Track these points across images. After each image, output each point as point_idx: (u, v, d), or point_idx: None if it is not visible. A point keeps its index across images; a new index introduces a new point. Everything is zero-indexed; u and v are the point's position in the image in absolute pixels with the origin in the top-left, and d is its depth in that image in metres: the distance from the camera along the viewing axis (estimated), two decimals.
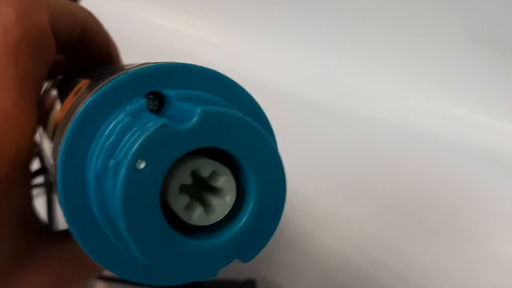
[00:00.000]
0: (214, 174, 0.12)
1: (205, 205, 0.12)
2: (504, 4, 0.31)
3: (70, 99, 0.15)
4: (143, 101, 0.12)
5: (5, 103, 0.14)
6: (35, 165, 0.32)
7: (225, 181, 0.12)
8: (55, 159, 0.13)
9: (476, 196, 0.30)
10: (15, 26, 0.14)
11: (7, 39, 0.14)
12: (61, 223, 0.33)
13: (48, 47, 0.15)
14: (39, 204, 0.33)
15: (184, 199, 0.12)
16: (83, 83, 0.15)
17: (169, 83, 0.12)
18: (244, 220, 0.12)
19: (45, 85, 0.22)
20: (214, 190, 0.12)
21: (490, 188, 0.31)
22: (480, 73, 0.33)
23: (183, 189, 0.12)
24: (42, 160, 0.26)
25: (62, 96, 0.17)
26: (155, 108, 0.12)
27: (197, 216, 0.12)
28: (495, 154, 0.31)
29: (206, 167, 0.12)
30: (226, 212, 0.12)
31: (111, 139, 0.12)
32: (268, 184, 0.12)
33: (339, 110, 0.36)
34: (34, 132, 0.15)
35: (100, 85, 0.13)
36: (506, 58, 0.32)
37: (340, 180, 0.32)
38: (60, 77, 0.21)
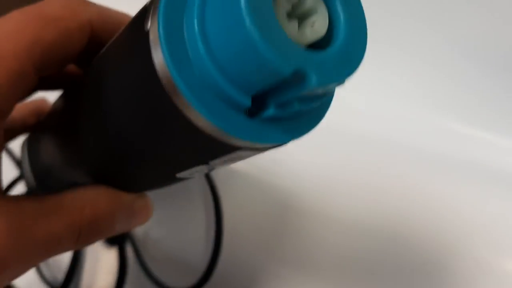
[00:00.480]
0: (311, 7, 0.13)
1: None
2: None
3: None
4: None
5: (8, 50, 0.15)
6: (14, 173, 0.31)
7: (320, 6, 0.13)
8: None
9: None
10: (58, 11, 0.16)
11: (45, 11, 0.16)
12: None
13: (74, 38, 0.17)
14: None
15: (288, 6, 0.13)
16: None
17: None
18: (342, 37, 0.13)
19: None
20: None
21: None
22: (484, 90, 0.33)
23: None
24: (21, 167, 0.25)
25: None
26: None
27: (298, 28, 0.13)
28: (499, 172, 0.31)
29: None
30: (326, 27, 0.13)
31: None
32: (353, 14, 0.13)
33: (343, 127, 0.35)
34: (16, 85, 0.16)
35: None
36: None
37: (340, 201, 0.30)
38: None
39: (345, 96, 0.37)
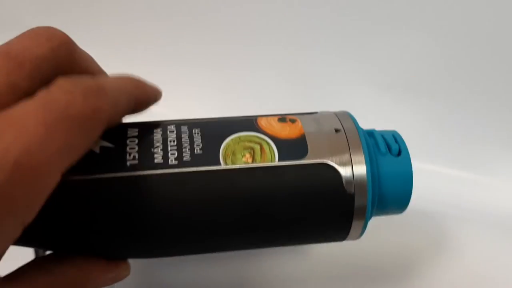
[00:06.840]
0: None
1: None
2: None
3: (285, 125, 0.20)
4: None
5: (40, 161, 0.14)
6: None
7: None
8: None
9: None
10: (82, 109, 0.15)
11: (70, 111, 0.14)
12: None
13: (96, 137, 0.16)
14: None
15: None
16: (292, 117, 0.21)
17: None
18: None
19: None
20: None
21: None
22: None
23: None
24: None
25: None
26: None
27: None
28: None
29: None
30: None
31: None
32: None
33: None
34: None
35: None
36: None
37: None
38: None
39: None
